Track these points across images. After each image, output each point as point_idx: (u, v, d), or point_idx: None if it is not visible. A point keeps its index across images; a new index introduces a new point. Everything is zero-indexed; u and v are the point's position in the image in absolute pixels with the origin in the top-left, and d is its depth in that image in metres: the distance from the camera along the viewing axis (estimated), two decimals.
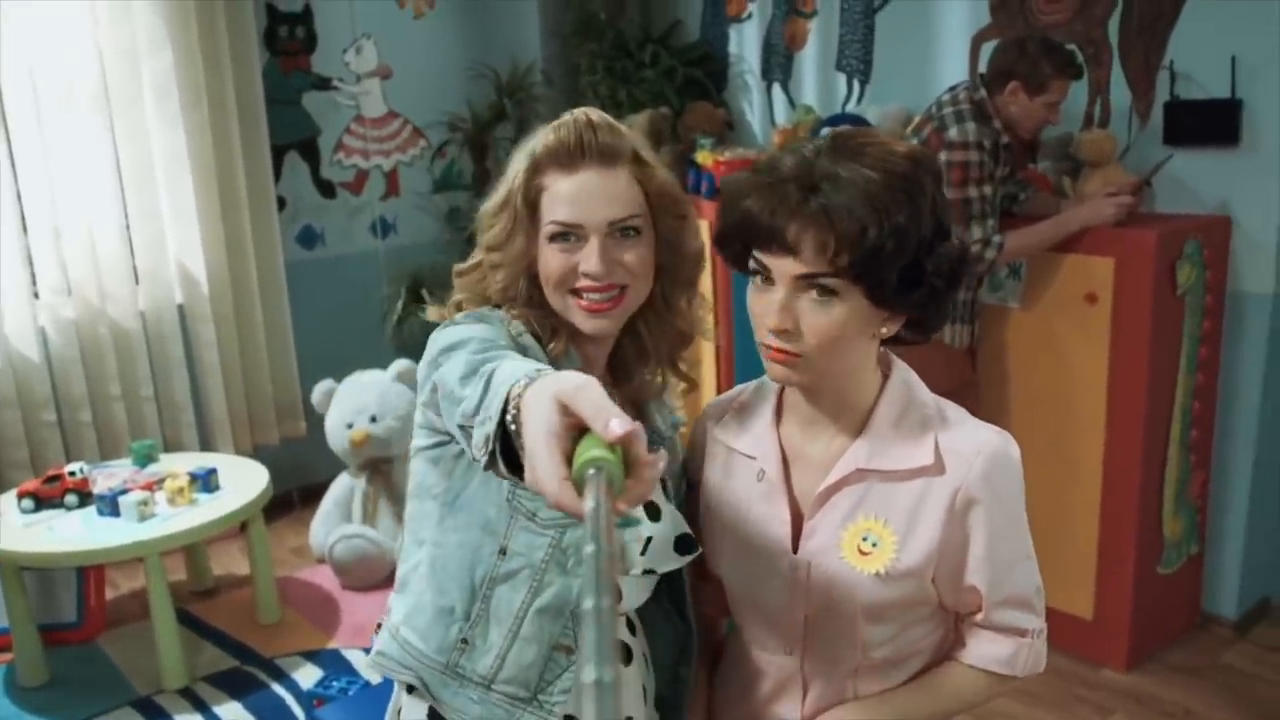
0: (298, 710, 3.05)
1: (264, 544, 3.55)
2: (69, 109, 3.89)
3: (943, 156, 2.91)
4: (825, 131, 3.63)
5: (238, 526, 3.50)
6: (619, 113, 4.40)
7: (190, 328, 4.27)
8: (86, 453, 3.99)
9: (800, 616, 1.26)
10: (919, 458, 1.21)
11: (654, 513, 1.31)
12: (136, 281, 4.15)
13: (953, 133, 2.91)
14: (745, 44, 4.35)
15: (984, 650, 1.28)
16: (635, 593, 1.34)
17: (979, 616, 1.27)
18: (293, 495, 4.51)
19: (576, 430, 0.79)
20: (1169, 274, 2.89)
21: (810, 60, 4.11)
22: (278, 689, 3.18)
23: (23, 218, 3.89)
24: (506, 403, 0.92)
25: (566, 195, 1.26)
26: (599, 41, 4.48)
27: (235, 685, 3.22)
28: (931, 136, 2.96)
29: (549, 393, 0.82)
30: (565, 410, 0.80)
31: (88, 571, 3.53)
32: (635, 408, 1.40)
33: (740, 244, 1.20)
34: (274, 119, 4.39)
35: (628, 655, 1.36)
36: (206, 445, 4.31)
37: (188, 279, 4.23)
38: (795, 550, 1.25)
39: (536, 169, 1.28)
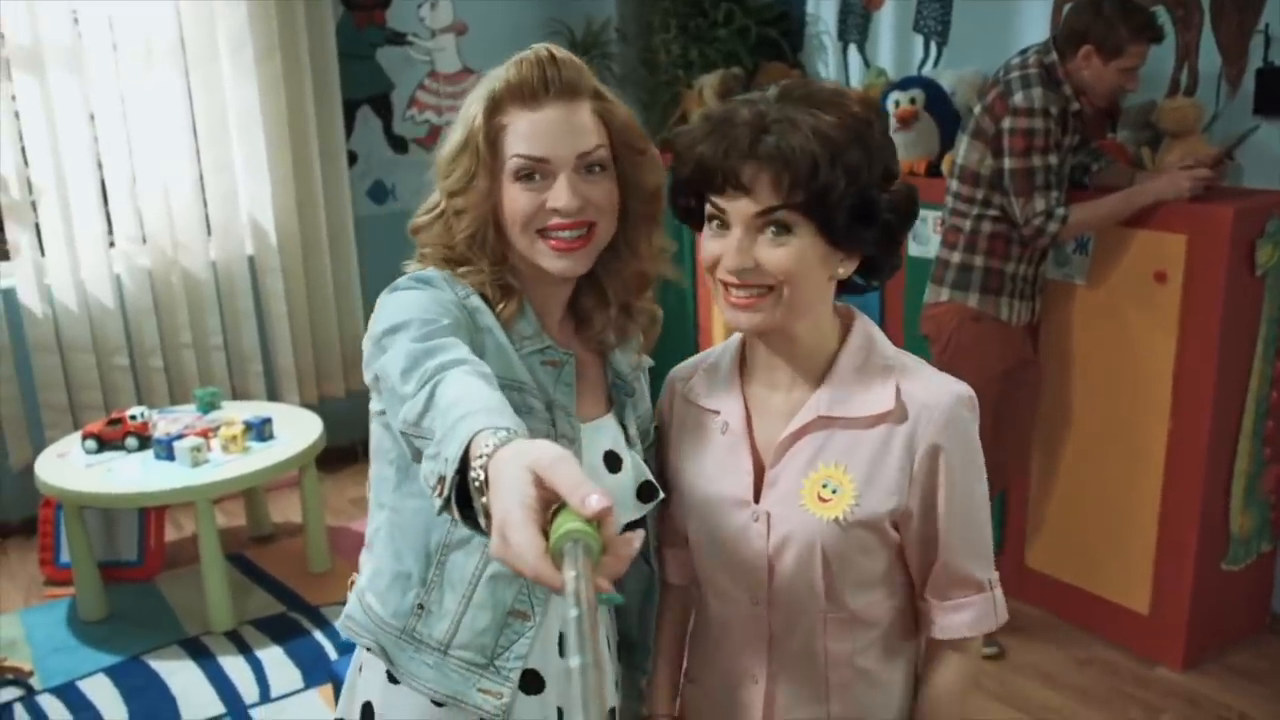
0: (335, 658, 3.10)
1: (316, 493, 3.62)
2: (146, 61, 3.98)
3: (1006, 123, 2.77)
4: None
5: (297, 475, 3.57)
6: (690, 72, 4.32)
7: (260, 279, 4.35)
8: (156, 398, 4.12)
9: (764, 565, 1.27)
10: (880, 404, 1.23)
11: (614, 464, 1.31)
12: (209, 233, 4.25)
13: (1018, 98, 2.76)
14: (822, 3, 4.20)
15: (950, 620, 1.29)
16: None
17: (937, 583, 1.28)
18: (356, 447, 4.58)
19: (550, 504, 0.78)
20: (1247, 253, 2.71)
21: (888, 21, 3.96)
22: (319, 636, 3.24)
23: (100, 168, 4.00)
24: (467, 456, 0.89)
25: (531, 130, 1.22)
26: None
27: (279, 631, 3.29)
28: (996, 102, 2.82)
29: (522, 463, 0.81)
30: (539, 483, 0.79)
31: (149, 512, 3.65)
32: (599, 356, 1.39)
33: (694, 192, 1.21)
34: (347, 74, 4.42)
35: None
36: (273, 395, 4.40)
37: (258, 231, 4.30)
38: (757, 500, 1.27)
39: (496, 107, 1.23)
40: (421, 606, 1.29)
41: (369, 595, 1.34)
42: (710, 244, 1.20)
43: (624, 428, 1.36)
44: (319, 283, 4.46)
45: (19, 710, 2.95)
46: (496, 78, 1.24)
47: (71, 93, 3.87)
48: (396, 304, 1.20)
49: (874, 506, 1.23)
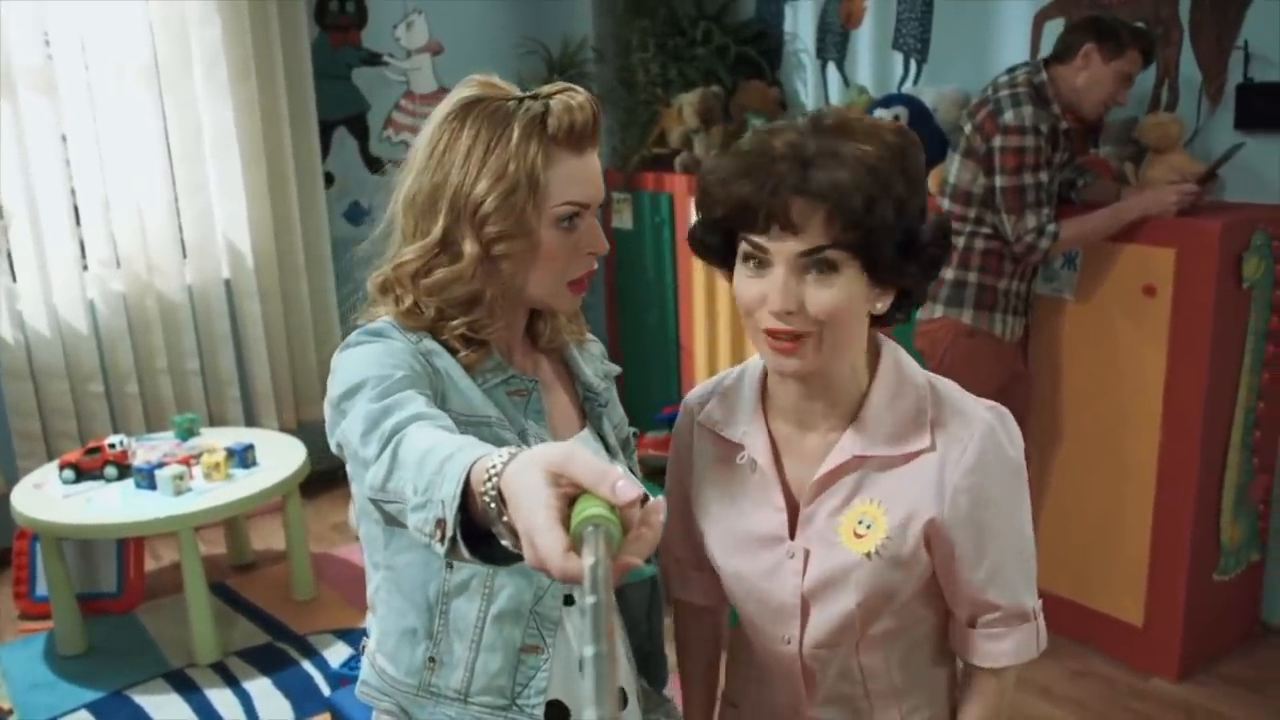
0: (325, 689, 3.04)
1: (299, 520, 3.56)
2: (118, 82, 3.92)
3: (997, 141, 2.79)
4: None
5: (279, 501, 3.51)
6: (669, 91, 4.32)
7: (236, 302, 4.29)
8: (133, 425, 4.04)
9: (796, 603, 1.25)
10: (914, 442, 1.21)
11: None
12: (184, 255, 4.18)
13: (1008, 116, 2.78)
14: (800, 21, 4.23)
15: (993, 649, 1.26)
16: None
17: (982, 612, 1.26)
18: (337, 472, 4.52)
19: (570, 499, 0.77)
20: (1234, 266, 2.74)
21: (866, 39, 3.98)
22: (307, 666, 3.18)
23: (73, 190, 3.92)
24: (468, 489, 0.86)
25: (580, 176, 1.23)
26: (651, 18, 4.38)
27: (266, 661, 3.23)
28: (986, 120, 2.84)
29: (536, 468, 0.79)
30: (557, 480, 0.78)
31: (128, 543, 3.57)
32: (565, 371, 1.39)
33: (724, 231, 1.17)
34: (323, 94, 4.38)
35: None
36: (251, 420, 4.33)
37: (234, 254, 4.24)
38: (792, 537, 1.25)
39: (549, 154, 1.21)
40: (433, 659, 1.27)
41: (379, 657, 1.32)
42: (750, 285, 1.15)
43: (602, 440, 1.36)
44: (296, 305, 4.41)
45: None
46: (532, 115, 1.19)
47: (43, 114, 3.80)
48: (350, 363, 1.16)
49: (908, 539, 1.20)
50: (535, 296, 1.26)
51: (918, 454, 1.20)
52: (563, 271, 1.24)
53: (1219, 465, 2.88)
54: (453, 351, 1.22)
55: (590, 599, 0.64)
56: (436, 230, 1.21)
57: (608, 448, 1.35)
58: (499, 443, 1.17)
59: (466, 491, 0.86)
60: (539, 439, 1.24)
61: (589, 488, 0.76)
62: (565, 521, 0.75)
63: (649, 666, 1.46)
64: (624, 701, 1.36)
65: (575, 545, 0.73)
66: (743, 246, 1.15)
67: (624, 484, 0.75)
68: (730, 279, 1.21)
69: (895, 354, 1.25)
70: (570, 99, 1.21)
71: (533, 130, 1.19)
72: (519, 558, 0.88)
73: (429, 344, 1.21)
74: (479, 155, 1.19)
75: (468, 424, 1.18)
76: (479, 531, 0.87)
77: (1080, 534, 3.09)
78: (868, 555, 1.20)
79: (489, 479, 0.83)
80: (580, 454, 0.78)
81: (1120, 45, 2.75)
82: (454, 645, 1.26)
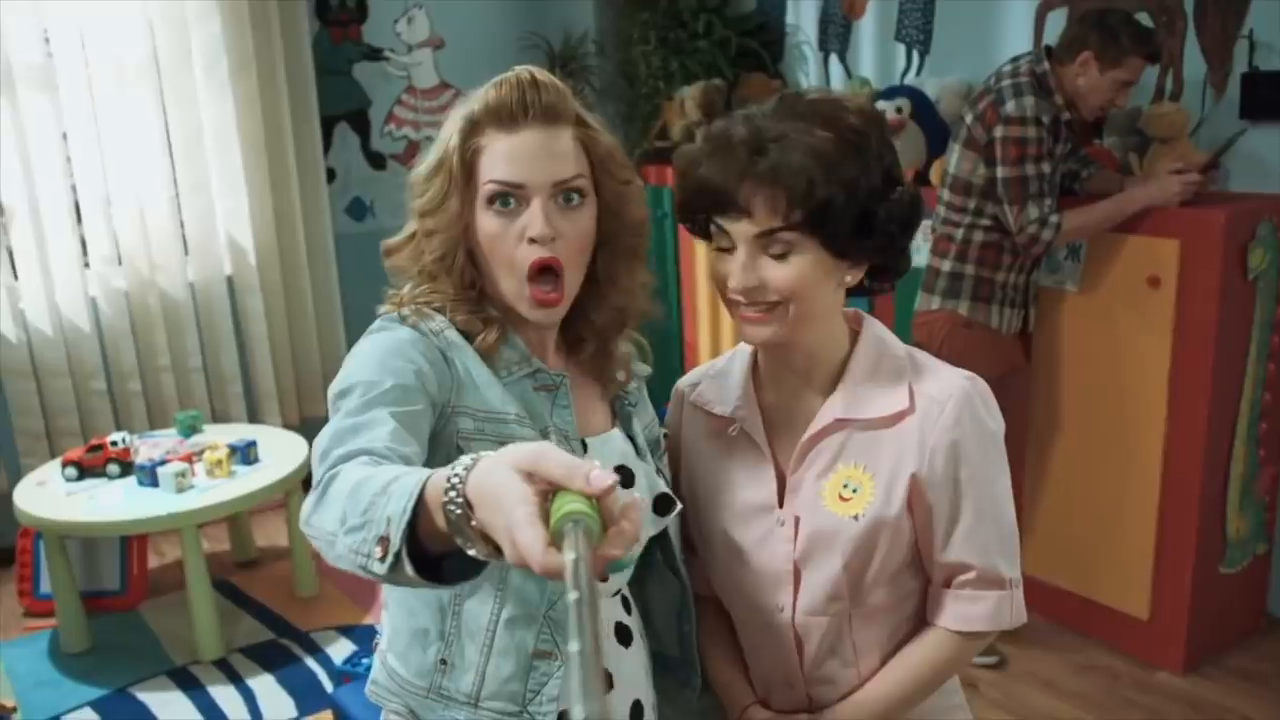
0: (329, 685, 3.04)
1: None
2: (119, 79, 3.91)
3: (999, 131, 2.77)
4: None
5: (283, 498, 3.50)
6: (670, 84, 4.31)
7: (239, 299, 4.29)
8: (135, 422, 4.04)
9: (789, 570, 1.27)
10: (895, 404, 1.24)
11: (627, 478, 1.27)
12: (186, 252, 4.18)
13: (1010, 107, 2.76)
14: (802, 13, 4.21)
15: (964, 610, 1.26)
16: (626, 570, 1.31)
17: (957, 574, 1.26)
18: None
19: (545, 495, 0.77)
20: (1239, 257, 2.72)
21: (869, 30, 3.97)
22: (310, 663, 3.18)
23: (74, 188, 3.92)
24: (419, 505, 0.85)
25: (507, 153, 1.18)
26: (652, 11, 4.37)
27: (269, 658, 3.23)
28: (988, 110, 2.82)
29: (507, 466, 0.78)
30: (530, 478, 0.77)
31: (131, 540, 3.57)
32: (599, 377, 1.35)
33: (700, 212, 1.23)
34: (324, 89, 4.37)
35: (628, 637, 1.33)
36: (254, 417, 4.33)
37: (236, 250, 4.24)
38: (780, 505, 1.28)
39: (473, 128, 1.19)
40: (444, 661, 1.25)
41: (390, 657, 1.30)
42: (716, 264, 1.22)
43: (631, 439, 1.33)
44: (299, 301, 4.40)
45: None
46: (475, 98, 1.21)
47: (43, 112, 3.80)
48: (355, 359, 1.17)
49: (893, 502, 1.23)
50: (501, 294, 1.23)
51: (898, 416, 1.24)
52: (509, 262, 1.20)
53: (1224, 457, 2.87)
54: (470, 338, 1.21)
55: (572, 595, 0.64)
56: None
57: (636, 448, 1.33)
58: (513, 440, 1.16)
59: (417, 509, 0.85)
60: (562, 437, 1.23)
61: (563, 483, 0.75)
62: (544, 517, 0.74)
63: (680, 671, 1.42)
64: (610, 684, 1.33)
65: (556, 542, 0.72)
66: (711, 227, 1.22)
67: (598, 473, 0.75)
68: None
69: (875, 327, 1.31)
70: (504, 76, 1.20)
71: (464, 110, 1.21)
72: (475, 571, 0.89)
73: (451, 335, 1.20)
74: (434, 141, 1.24)
75: (485, 420, 1.18)
76: (422, 552, 0.87)
77: (1085, 526, 3.07)
78: (854, 518, 1.23)
79: (451, 488, 0.82)
80: (550, 451, 0.78)
81: (1120, 53, 2.70)
82: (465, 648, 1.23)
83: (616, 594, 1.33)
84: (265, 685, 3.08)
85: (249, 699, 3.03)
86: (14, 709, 3.03)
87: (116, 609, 3.55)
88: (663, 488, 1.30)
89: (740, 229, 1.18)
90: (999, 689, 2.94)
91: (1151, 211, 2.78)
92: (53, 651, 3.33)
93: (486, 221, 1.19)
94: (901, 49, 3.85)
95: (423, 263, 1.23)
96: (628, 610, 1.35)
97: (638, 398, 1.38)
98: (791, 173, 1.13)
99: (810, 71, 4.23)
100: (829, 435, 1.26)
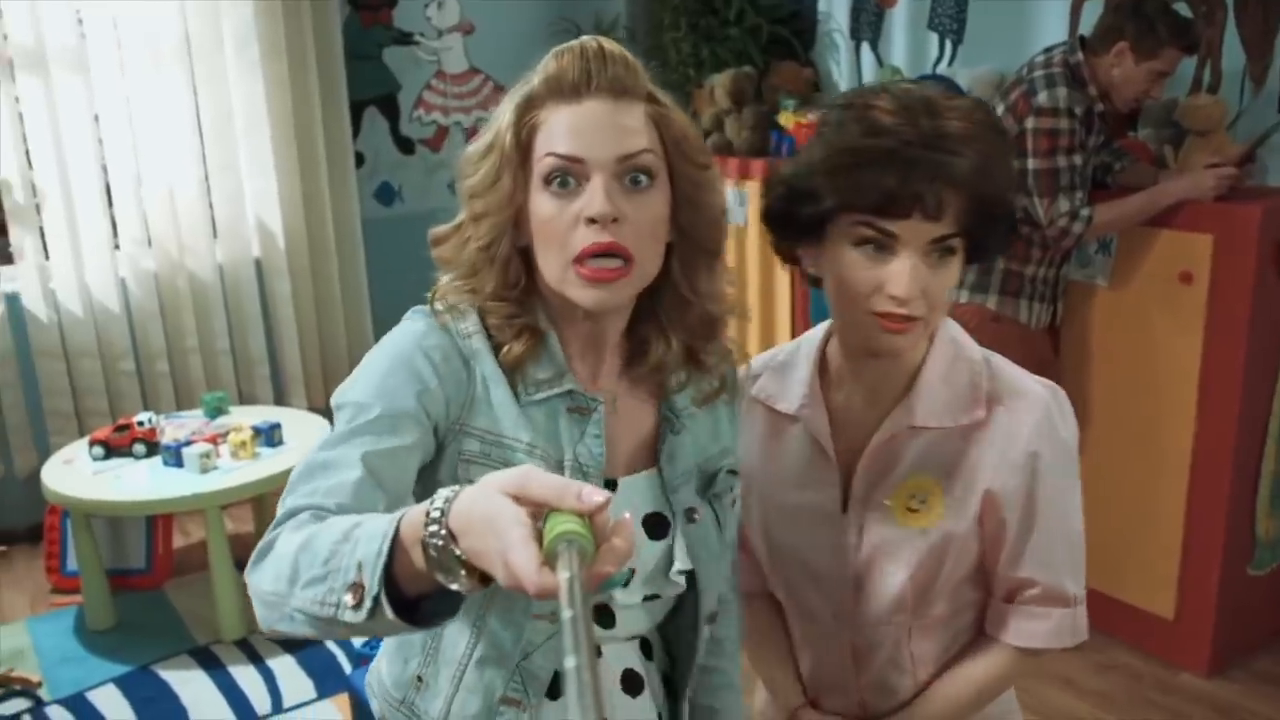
0: (348, 667, 3.06)
1: None
2: (150, 62, 3.93)
3: (1030, 123, 2.73)
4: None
5: None
6: (701, 71, 4.28)
7: (266, 282, 4.31)
8: (163, 403, 4.07)
9: (849, 579, 1.24)
10: (971, 413, 1.20)
11: (658, 528, 1.17)
12: (215, 235, 4.20)
13: (1042, 98, 2.72)
14: (834, 1, 4.16)
15: (1028, 627, 1.24)
16: (644, 617, 1.21)
17: (1022, 589, 1.23)
18: None
19: (537, 517, 0.76)
20: (1274, 254, 2.66)
21: (901, 18, 3.91)
22: (330, 645, 3.20)
23: (105, 169, 3.95)
24: (395, 541, 0.82)
25: (567, 125, 1.05)
26: None
27: (290, 639, 3.23)
28: (1019, 101, 2.77)
29: (495, 492, 0.76)
30: (519, 500, 0.76)
31: (157, 519, 3.60)
32: (656, 393, 1.20)
33: (861, 212, 1.11)
34: (354, 74, 4.38)
35: (638, 685, 1.23)
36: (281, 399, 4.36)
37: (265, 233, 4.26)
38: (844, 512, 1.23)
39: (531, 102, 1.08)
40: (420, 679, 1.20)
41: (381, 657, 1.28)
42: (866, 270, 1.12)
43: (664, 487, 1.18)
44: (326, 285, 4.42)
45: None
46: (535, 71, 1.10)
47: (75, 94, 3.82)
48: (364, 366, 1.10)
49: (963, 515, 1.19)
50: (549, 282, 1.10)
51: (973, 426, 1.19)
52: (561, 244, 1.06)
53: (1255, 457, 2.82)
54: (498, 348, 1.11)
55: (567, 613, 0.66)
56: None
57: (664, 482, 1.17)
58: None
59: (393, 550, 0.82)
60: (583, 470, 1.11)
61: (554, 503, 0.75)
62: (538, 539, 0.74)
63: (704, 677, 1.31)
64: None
65: (549, 562, 0.72)
66: (859, 230, 1.12)
67: (589, 491, 0.74)
68: (794, 261, 1.21)
69: (951, 328, 1.25)
70: (567, 45, 1.09)
71: (519, 89, 1.11)
72: (452, 611, 0.86)
73: (476, 344, 1.10)
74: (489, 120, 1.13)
75: (492, 444, 1.09)
76: (402, 597, 0.84)
77: (1111, 524, 3.03)
78: (923, 531, 1.19)
79: (432, 521, 0.79)
80: (535, 473, 0.77)
81: (1156, 44, 2.65)
82: (440, 672, 1.18)
83: (632, 639, 1.23)
84: (285, 666, 3.11)
85: (269, 679, 3.05)
86: (39, 684, 3.07)
87: (142, 587, 3.59)
88: (685, 563, 1.16)
89: (920, 232, 1.10)
90: (1017, 685, 2.89)
91: (1185, 206, 2.73)
92: (78, 628, 3.37)
93: (542, 204, 1.07)
94: (934, 38, 3.80)
95: (467, 251, 1.12)
96: (648, 655, 1.25)
97: (685, 424, 1.20)
98: (987, 173, 1.09)
99: (842, 60, 4.18)
100: (899, 442, 1.21)
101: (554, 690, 1.17)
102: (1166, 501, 2.89)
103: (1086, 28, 3.02)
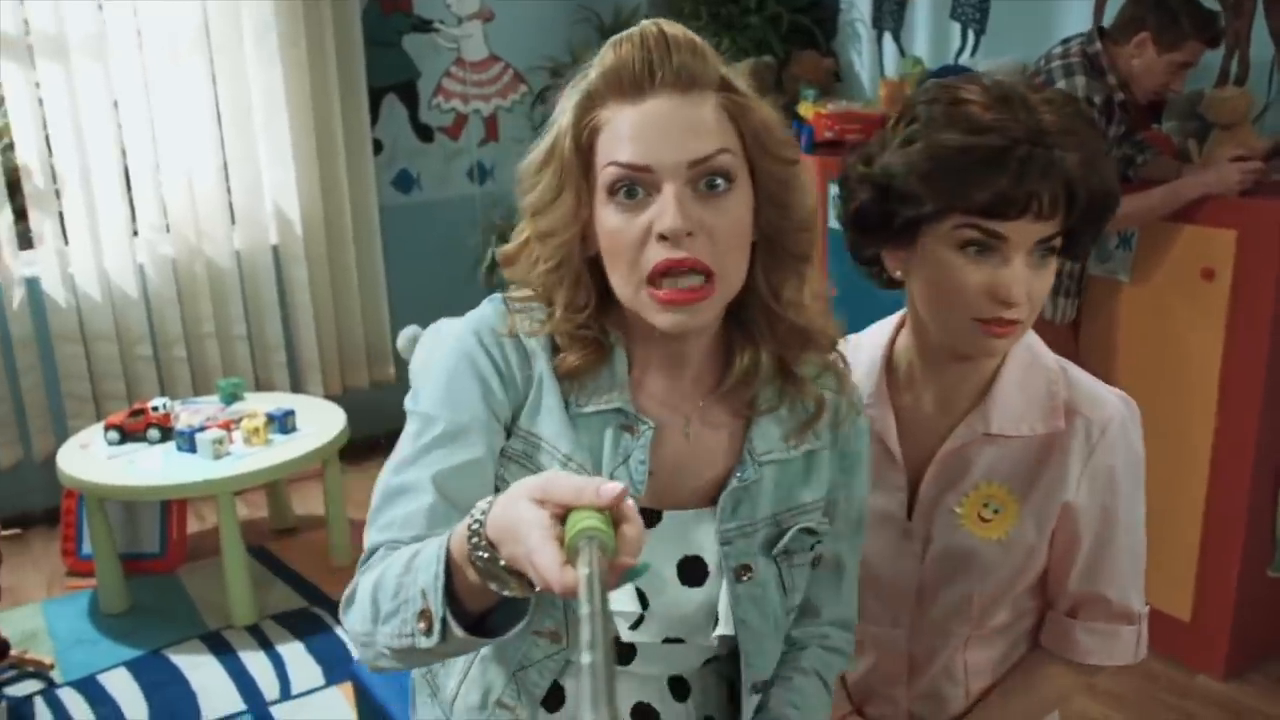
0: (356, 655, 3.06)
1: (338, 486, 3.58)
2: (170, 48, 3.94)
3: None
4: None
5: (321, 467, 3.52)
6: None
7: (284, 269, 4.31)
8: (179, 388, 4.09)
9: (912, 585, 1.22)
10: (1049, 423, 1.17)
11: (694, 574, 1.09)
12: (233, 221, 4.21)
13: (1060, 87, 2.67)
14: None
15: (1093, 644, 1.22)
16: (666, 659, 1.14)
17: (1090, 604, 1.21)
18: (380, 439, 4.54)
19: (560, 518, 0.77)
20: None
21: (924, 8, 3.86)
22: (340, 633, 3.20)
23: (124, 155, 3.96)
24: (449, 566, 0.86)
25: (630, 129, 0.95)
26: None
27: (301, 626, 3.25)
28: None
29: (520, 498, 0.78)
30: (541, 504, 0.77)
31: (171, 504, 3.62)
32: (741, 417, 1.10)
33: (966, 213, 1.07)
34: (373, 61, 4.37)
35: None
36: (297, 386, 4.36)
37: (283, 220, 4.26)
38: (910, 517, 1.21)
39: (590, 101, 0.98)
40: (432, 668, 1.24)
41: None
42: (972, 274, 1.08)
43: (722, 541, 1.08)
44: (344, 273, 4.42)
45: (39, 704, 2.92)
46: (593, 64, 1.00)
47: (95, 80, 3.83)
48: (432, 369, 1.08)
49: (1041, 529, 1.16)
50: (622, 300, 1.01)
51: (1053, 437, 1.16)
52: (631, 261, 0.96)
53: (1276, 456, 2.76)
54: (556, 351, 1.05)
55: (585, 609, 0.66)
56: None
57: (722, 550, 1.07)
58: None
59: (450, 572, 0.85)
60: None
61: (574, 502, 0.75)
62: (560, 539, 0.75)
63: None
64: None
65: (571, 559, 0.74)
66: (963, 233, 1.08)
67: (607, 486, 0.74)
68: (873, 263, 1.18)
69: (1028, 335, 1.21)
70: (626, 33, 0.99)
71: (578, 84, 1.01)
72: (521, 615, 0.87)
73: (535, 344, 1.05)
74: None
75: (532, 446, 1.05)
76: (466, 613, 0.86)
77: None
78: (995, 540, 1.16)
79: (473, 534, 0.82)
80: (559, 476, 0.78)
81: (1178, 37, 2.61)
82: (451, 667, 1.21)
83: (655, 677, 1.16)
84: (295, 652, 3.11)
85: (278, 665, 3.06)
86: (52, 666, 3.09)
87: (155, 571, 3.60)
88: (723, 624, 1.09)
89: (1029, 232, 1.06)
90: None
91: (1208, 200, 2.67)
92: (92, 611, 3.40)
93: (608, 217, 0.97)
94: (957, 28, 3.75)
95: (537, 273, 1.04)
96: (680, 697, 1.16)
97: (779, 467, 1.08)
98: (1094, 170, 1.07)
99: (863, 50, 4.14)
100: (972, 449, 1.17)
101: (551, 702, 1.15)
102: (1185, 500, 2.84)
103: (1110, 19, 2.97)
